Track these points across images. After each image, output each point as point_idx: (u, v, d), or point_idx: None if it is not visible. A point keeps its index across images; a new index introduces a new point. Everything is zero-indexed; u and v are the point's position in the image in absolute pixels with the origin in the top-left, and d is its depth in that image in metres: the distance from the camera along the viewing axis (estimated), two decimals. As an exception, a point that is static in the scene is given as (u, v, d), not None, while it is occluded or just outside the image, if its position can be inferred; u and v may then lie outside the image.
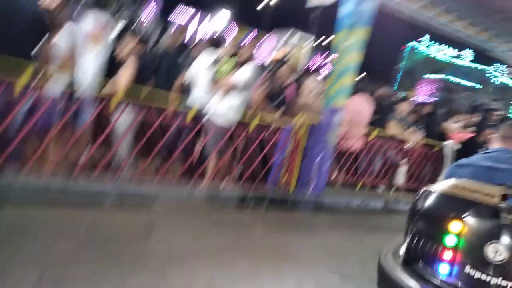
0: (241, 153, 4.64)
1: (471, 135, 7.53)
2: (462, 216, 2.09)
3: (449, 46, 32.63)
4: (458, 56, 32.98)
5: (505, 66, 26.18)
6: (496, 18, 7.30)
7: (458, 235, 2.07)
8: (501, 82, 31.71)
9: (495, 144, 2.79)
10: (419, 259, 2.23)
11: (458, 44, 32.21)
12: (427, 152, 7.22)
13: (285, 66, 5.09)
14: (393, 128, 6.66)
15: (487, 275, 1.96)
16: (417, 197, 2.39)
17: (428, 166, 7.31)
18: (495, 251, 1.96)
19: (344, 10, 4.79)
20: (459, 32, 7.57)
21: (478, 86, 30.91)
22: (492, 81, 31.69)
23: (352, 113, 6.09)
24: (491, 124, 7.97)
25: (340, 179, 6.27)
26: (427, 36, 32.55)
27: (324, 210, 5.08)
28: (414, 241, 2.26)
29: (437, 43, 32.64)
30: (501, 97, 28.48)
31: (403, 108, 6.78)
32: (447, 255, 2.09)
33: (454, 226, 2.09)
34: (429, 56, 32.92)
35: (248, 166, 4.64)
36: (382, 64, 34.75)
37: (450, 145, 7.20)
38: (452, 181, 2.46)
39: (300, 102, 5.16)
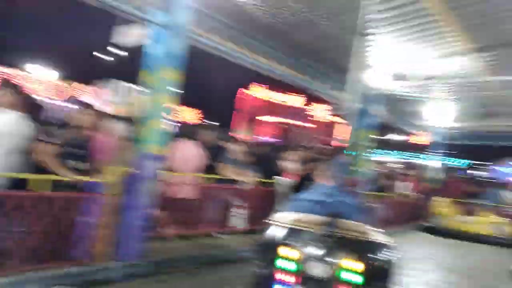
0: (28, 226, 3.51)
1: (303, 173, 7.84)
2: (290, 243, 2.51)
3: (281, 90, 35.77)
4: (291, 99, 36.35)
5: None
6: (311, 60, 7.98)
7: (288, 259, 2.47)
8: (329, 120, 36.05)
9: (318, 180, 3.29)
10: (264, 285, 2.55)
11: (290, 87, 35.78)
12: (266, 191, 7.13)
13: (88, 111, 4.24)
14: (226, 171, 6.35)
15: None
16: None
17: (268, 205, 7.19)
18: (318, 269, 2.38)
19: (151, 50, 4.32)
20: (286, 76, 7.93)
21: (311, 125, 34.59)
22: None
23: (180, 160, 5.57)
24: (322, 159, 8.60)
25: (171, 232, 5.57)
26: (259, 80, 35.15)
27: (154, 273, 4.27)
28: (259, 270, 2.63)
29: (269, 86, 35.37)
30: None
31: (236, 149, 6.56)
32: (281, 277, 2.46)
33: (285, 251, 2.48)
34: (264, 99, 35.53)
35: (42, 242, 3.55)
36: (220, 108, 36.31)
37: (283, 182, 7.26)
38: (284, 214, 2.98)
39: (108, 151, 4.37)
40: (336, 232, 2.52)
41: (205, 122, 26.52)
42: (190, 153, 5.71)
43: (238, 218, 6.36)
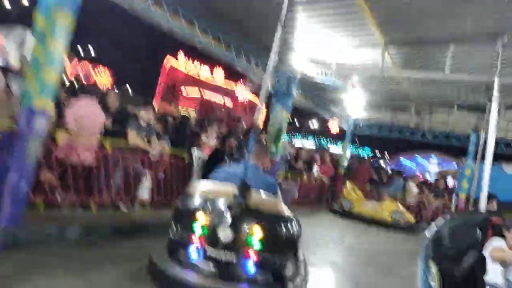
0: None
1: (217, 148, 7.66)
2: (204, 210, 2.77)
3: (202, 63, 34.78)
4: (211, 73, 35.52)
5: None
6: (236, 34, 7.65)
7: (202, 225, 2.73)
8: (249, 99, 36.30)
9: (251, 160, 3.32)
10: (179, 248, 2.79)
11: (211, 61, 35.13)
12: (175, 163, 6.80)
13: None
14: (133, 138, 5.88)
15: (220, 251, 2.64)
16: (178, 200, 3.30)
17: (176, 177, 6.90)
18: (225, 233, 2.63)
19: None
20: (209, 47, 7.52)
21: (232, 103, 34.34)
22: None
23: (79, 119, 5.00)
24: (238, 136, 8.48)
25: (67, 200, 5.05)
26: (182, 52, 33.82)
27: (27, 246, 3.74)
28: (175, 234, 2.84)
29: (191, 59, 34.17)
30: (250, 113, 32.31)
31: (146, 116, 6.09)
32: (195, 240, 2.72)
33: (199, 217, 2.75)
34: (189, 72, 34.37)
35: None
36: (144, 78, 34.54)
37: (199, 155, 7.00)
38: (201, 183, 3.36)
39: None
40: (245, 202, 2.79)
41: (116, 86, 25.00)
42: (90, 113, 5.14)
43: (144, 189, 5.97)
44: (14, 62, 6.24)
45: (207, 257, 2.71)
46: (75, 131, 4.89)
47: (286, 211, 3.07)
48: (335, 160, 12.88)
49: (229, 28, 7.33)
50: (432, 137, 12.97)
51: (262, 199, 2.98)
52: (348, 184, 11.34)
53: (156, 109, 10.31)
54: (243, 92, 27.97)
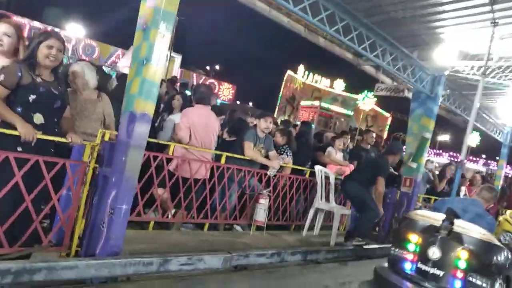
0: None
1: (350, 167, 6.58)
2: (418, 232, 3.38)
3: (322, 76, 34.36)
4: (331, 86, 34.86)
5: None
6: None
7: (416, 244, 3.34)
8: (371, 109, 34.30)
9: (474, 196, 4.41)
10: (397, 262, 3.42)
11: (331, 73, 34.31)
12: (296, 179, 5.91)
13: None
14: (250, 151, 5.15)
15: (429, 267, 3.17)
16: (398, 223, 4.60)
17: (296, 196, 6.00)
18: (435, 253, 3.15)
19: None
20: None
21: (350, 113, 32.78)
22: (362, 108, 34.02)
23: (192, 127, 4.44)
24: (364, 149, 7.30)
25: (177, 218, 4.52)
26: (302, 66, 33.90)
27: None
28: (394, 251, 3.50)
29: (311, 72, 34.07)
30: (372, 124, 30.38)
31: (264, 125, 5.31)
32: (409, 256, 3.34)
33: (413, 238, 3.37)
34: (306, 83, 34.12)
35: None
36: (265, 93, 35.35)
37: (327, 174, 6.01)
38: (419, 211, 4.18)
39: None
40: (453, 228, 3.20)
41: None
42: (203, 122, 4.55)
43: (261, 210, 5.17)
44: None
45: (419, 271, 3.23)
46: (187, 140, 4.33)
47: (494, 240, 3.31)
48: (487, 181, 10.52)
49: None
50: None
51: (470, 227, 3.28)
52: (508, 212, 9.02)
53: (278, 121, 9.65)
54: (367, 102, 26.18)
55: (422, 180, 7.44)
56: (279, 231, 5.82)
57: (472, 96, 8.63)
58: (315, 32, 6.90)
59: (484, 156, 39.20)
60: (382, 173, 5.62)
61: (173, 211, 4.58)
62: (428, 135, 6.70)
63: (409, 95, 9.72)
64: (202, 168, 4.56)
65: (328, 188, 6.10)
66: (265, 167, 5.43)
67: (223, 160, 4.88)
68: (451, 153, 37.96)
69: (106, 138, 3.18)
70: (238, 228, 5.40)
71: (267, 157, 5.42)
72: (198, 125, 4.42)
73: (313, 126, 6.90)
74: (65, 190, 2.99)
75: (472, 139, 32.66)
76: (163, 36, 3.06)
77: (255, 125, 5.45)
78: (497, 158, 10.64)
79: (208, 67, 34.31)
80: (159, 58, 3.08)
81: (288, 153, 5.94)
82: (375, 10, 5.51)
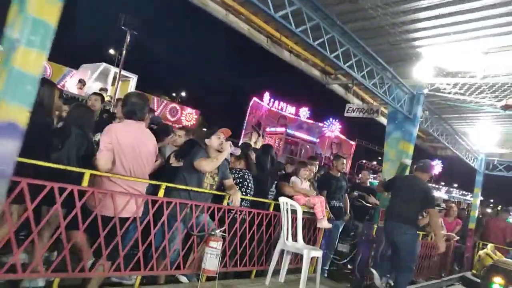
0: None
1: (320, 199, 5.60)
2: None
3: (288, 103, 34.36)
4: (297, 113, 34.84)
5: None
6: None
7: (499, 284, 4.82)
8: (335, 136, 34.38)
9: None
10: None
11: (297, 101, 34.35)
12: (259, 215, 4.85)
13: None
14: (210, 164, 4.10)
15: None
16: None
17: (260, 234, 4.93)
18: None
19: None
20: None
21: (316, 140, 32.51)
22: (327, 135, 34.00)
23: (119, 148, 3.31)
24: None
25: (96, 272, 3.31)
26: (267, 93, 33.75)
27: None
28: None
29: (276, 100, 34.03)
30: (337, 151, 30.15)
31: (216, 143, 4.26)
32: None
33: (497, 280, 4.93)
34: (272, 110, 33.83)
35: None
36: (230, 119, 34.84)
37: (292, 206, 5.00)
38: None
39: None
40: None
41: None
42: (132, 143, 3.40)
43: (212, 255, 4.03)
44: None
45: None
46: (107, 166, 3.20)
47: None
48: (462, 212, 9.88)
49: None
50: None
51: None
52: (489, 245, 8.32)
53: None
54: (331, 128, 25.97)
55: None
56: (236, 279, 4.72)
57: (451, 120, 8.05)
58: (279, 43, 6.05)
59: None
60: (433, 204, 4.85)
61: (90, 261, 3.41)
62: (408, 162, 5.88)
63: (379, 118, 9.05)
64: (131, 204, 3.42)
65: (295, 224, 5.10)
66: (219, 199, 4.38)
67: (161, 193, 3.78)
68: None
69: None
70: (183, 279, 4.25)
71: (220, 189, 4.37)
72: (125, 147, 3.30)
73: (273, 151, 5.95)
74: None
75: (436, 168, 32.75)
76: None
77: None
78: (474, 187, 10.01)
79: (174, 94, 33.44)
80: (42, 41, 2.01)
81: (248, 181, 4.91)
82: (351, 15, 4.71)
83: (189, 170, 4.15)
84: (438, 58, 5.49)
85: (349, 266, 7.25)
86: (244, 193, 4.71)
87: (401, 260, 4.85)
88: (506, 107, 5.94)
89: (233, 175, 4.70)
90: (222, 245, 4.14)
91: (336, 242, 6.66)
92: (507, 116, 8.24)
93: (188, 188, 4.02)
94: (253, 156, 5.49)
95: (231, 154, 4.79)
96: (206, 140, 4.31)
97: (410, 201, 4.83)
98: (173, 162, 4.64)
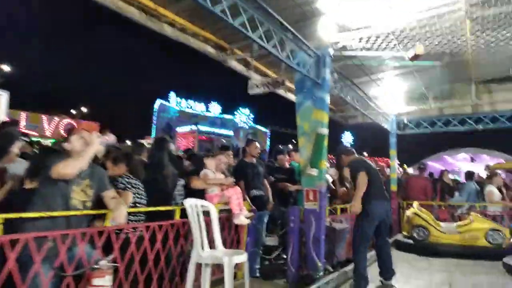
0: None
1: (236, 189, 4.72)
2: None
3: (195, 100, 33.65)
4: (207, 109, 34.09)
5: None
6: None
7: None
8: (250, 127, 34.25)
9: None
10: None
11: (205, 96, 33.71)
12: (161, 228, 3.81)
13: None
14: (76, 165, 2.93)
15: None
16: None
17: (168, 251, 3.89)
18: None
19: None
20: None
21: (231, 133, 31.95)
22: (241, 127, 33.70)
23: None
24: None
25: None
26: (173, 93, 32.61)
27: None
28: None
29: (184, 98, 33.17)
30: (254, 139, 29.92)
31: (78, 145, 3.12)
32: None
33: None
34: (181, 110, 32.65)
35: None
36: (136, 119, 33.06)
37: (197, 206, 4.03)
38: None
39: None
40: None
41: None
42: None
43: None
44: None
45: None
46: None
47: None
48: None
49: None
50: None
51: None
52: (415, 204, 8.22)
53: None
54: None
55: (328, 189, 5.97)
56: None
57: (361, 84, 7.68)
58: (156, 16, 5.00)
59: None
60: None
61: None
62: (325, 131, 5.23)
63: (288, 95, 8.45)
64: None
65: (210, 228, 4.16)
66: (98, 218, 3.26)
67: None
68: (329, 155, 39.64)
69: None
70: None
71: (99, 206, 3.23)
72: None
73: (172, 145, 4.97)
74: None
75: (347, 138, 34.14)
76: None
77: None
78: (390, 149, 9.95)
79: (73, 111, 30.74)
80: None
81: (138, 189, 3.83)
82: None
83: (47, 185, 2.96)
84: (340, 13, 4.91)
85: (284, 257, 6.54)
86: (132, 205, 3.63)
87: (385, 232, 5.31)
88: (414, 58, 5.60)
89: (114, 187, 3.57)
90: (115, 277, 3.07)
91: (264, 236, 5.86)
92: (409, 73, 8.18)
93: (44, 214, 2.83)
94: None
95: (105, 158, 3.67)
96: (65, 145, 3.14)
97: (381, 179, 5.43)
98: (27, 183, 3.38)
